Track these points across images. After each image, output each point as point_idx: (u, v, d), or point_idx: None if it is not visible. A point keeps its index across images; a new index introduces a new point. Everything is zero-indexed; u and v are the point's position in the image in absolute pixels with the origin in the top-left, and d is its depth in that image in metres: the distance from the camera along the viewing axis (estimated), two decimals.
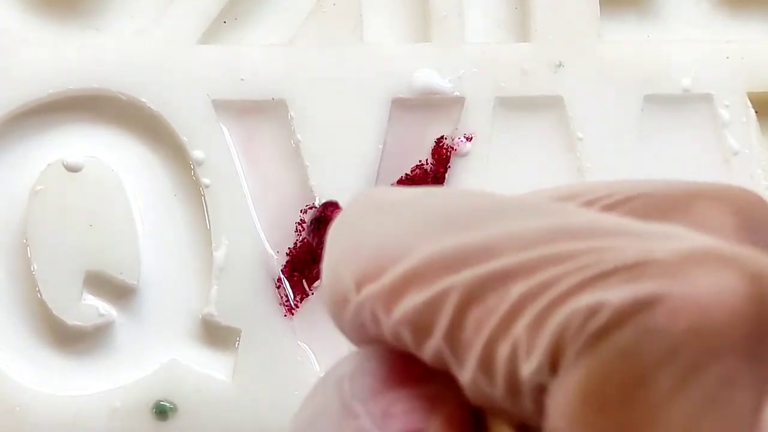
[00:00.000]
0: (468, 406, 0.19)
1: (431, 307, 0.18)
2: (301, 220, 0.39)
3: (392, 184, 0.40)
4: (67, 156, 0.38)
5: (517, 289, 0.17)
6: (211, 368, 0.38)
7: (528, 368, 0.17)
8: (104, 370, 0.38)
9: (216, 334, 0.39)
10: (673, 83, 0.41)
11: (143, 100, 0.39)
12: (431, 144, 0.40)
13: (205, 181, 0.39)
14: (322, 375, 0.20)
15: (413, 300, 0.18)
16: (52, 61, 0.38)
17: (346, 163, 0.39)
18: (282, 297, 0.39)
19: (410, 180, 0.40)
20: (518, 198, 0.19)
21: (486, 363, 0.18)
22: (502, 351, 0.17)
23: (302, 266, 0.39)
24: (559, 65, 0.41)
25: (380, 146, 0.40)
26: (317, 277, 0.39)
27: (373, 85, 0.40)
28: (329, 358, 0.39)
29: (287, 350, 0.39)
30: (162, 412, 0.37)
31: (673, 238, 0.17)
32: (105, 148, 0.39)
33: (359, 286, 0.19)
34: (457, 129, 0.40)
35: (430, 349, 0.18)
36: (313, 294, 0.39)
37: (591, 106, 0.41)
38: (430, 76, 0.40)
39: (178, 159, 0.39)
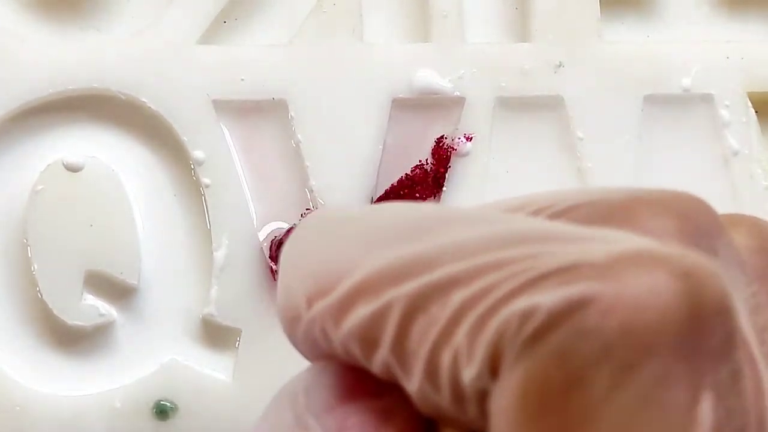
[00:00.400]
0: (420, 419, 0.19)
1: (377, 320, 0.18)
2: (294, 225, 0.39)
3: (392, 184, 0.40)
4: (67, 156, 0.38)
5: (458, 297, 0.17)
6: (211, 368, 0.38)
7: (469, 374, 0.17)
8: (104, 370, 0.38)
9: (216, 334, 0.39)
10: (673, 83, 0.41)
11: (143, 100, 0.39)
12: (431, 144, 0.40)
13: (205, 181, 0.39)
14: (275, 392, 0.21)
15: (360, 314, 0.18)
16: (52, 61, 0.38)
17: (346, 163, 0.39)
18: None
19: (410, 180, 0.40)
20: (463, 210, 0.19)
21: (431, 372, 0.18)
22: (445, 359, 0.17)
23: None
24: (559, 65, 0.41)
25: (380, 146, 0.40)
26: None
27: (373, 85, 0.40)
28: None
29: (287, 350, 0.38)
30: (162, 411, 0.37)
31: (607, 241, 0.17)
32: (105, 148, 0.39)
33: (310, 302, 0.20)
34: (457, 129, 0.40)
35: (378, 362, 0.19)
36: None
37: (591, 106, 0.41)
38: (430, 76, 0.40)
39: (178, 159, 0.39)
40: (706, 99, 0.41)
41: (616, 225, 0.19)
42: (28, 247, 0.38)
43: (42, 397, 0.37)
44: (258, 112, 0.39)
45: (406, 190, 0.40)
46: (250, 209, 0.39)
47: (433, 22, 0.40)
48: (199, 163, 0.39)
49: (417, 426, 0.19)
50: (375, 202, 0.39)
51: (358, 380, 0.20)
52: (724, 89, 0.42)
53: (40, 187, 0.38)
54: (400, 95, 0.40)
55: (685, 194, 0.20)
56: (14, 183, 0.38)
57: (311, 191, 0.39)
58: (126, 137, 0.39)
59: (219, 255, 0.38)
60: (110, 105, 0.39)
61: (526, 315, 0.17)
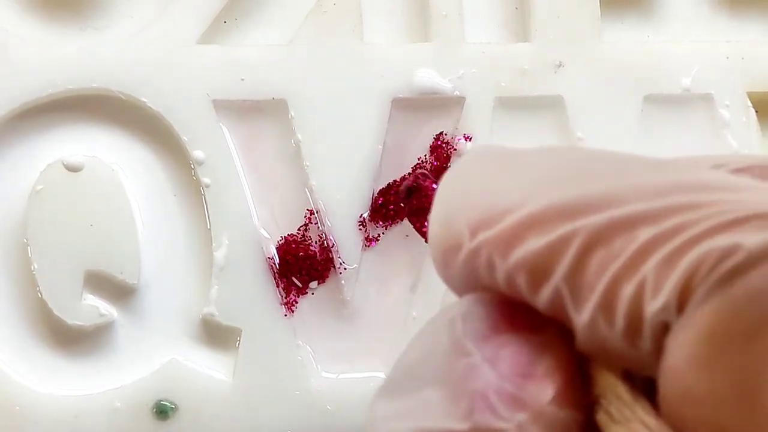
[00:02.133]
0: (572, 356, 0.19)
1: (552, 251, 0.18)
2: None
3: (392, 183, 0.40)
4: (67, 156, 0.38)
5: (645, 234, 0.18)
6: (211, 368, 0.38)
7: (654, 306, 0.17)
8: (104, 370, 0.38)
9: (216, 334, 0.39)
10: (673, 83, 0.41)
11: (143, 100, 0.39)
12: (431, 143, 0.40)
13: (205, 181, 0.39)
14: (432, 317, 0.21)
15: (533, 244, 0.19)
16: (52, 61, 0.38)
17: (346, 163, 0.39)
18: (282, 296, 0.39)
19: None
20: (639, 156, 0.20)
21: (607, 304, 0.18)
22: (627, 291, 0.18)
23: (293, 264, 0.39)
24: (559, 65, 0.41)
25: (380, 146, 0.40)
26: (312, 275, 0.39)
27: (373, 85, 0.40)
28: (329, 358, 0.39)
29: (287, 350, 0.39)
30: (162, 411, 0.37)
31: None
32: (105, 148, 0.39)
33: (474, 232, 0.20)
34: (457, 129, 0.40)
35: (546, 293, 0.19)
36: (312, 293, 0.39)
37: (591, 106, 0.41)
38: (430, 76, 0.40)
39: (178, 159, 0.39)
40: (706, 99, 0.42)
41: None
42: (28, 247, 0.38)
43: (42, 397, 0.37)
44: (258, 111, 0.39)
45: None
46: (250, 209, 0.39)
47: (433, 22, 0.40)
48: (199, 163, 0.39)
49: (569, 362, 0.19)
50: (375, 201, 0.39)
51: (514, 313, 0.20)
52: (724, 89, 0.42)
53: (40, 187, 0.38)
54: (400, 95, 0.40)
55: None
56: (14, 183, 0.38)
57: (311, 191, 0.39)
58: (126, 137, 0.39)
59: (219, 255, 0.38)
60: (110, 105, 0.39)
61: (726, 252, 0.17)
